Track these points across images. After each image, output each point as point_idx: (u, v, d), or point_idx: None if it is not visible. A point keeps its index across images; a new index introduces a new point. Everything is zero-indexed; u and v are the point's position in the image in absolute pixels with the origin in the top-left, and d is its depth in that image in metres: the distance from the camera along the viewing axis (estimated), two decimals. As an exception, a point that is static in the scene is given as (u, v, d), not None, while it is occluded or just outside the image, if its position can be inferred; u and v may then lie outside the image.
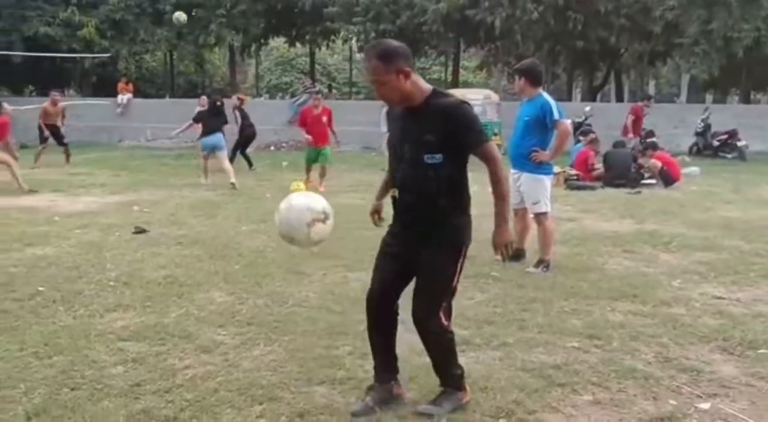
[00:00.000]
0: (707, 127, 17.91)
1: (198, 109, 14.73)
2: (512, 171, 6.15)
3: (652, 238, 7.25)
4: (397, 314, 3.23)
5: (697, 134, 18.06)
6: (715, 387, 3.53)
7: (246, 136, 14.45)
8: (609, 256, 6.46)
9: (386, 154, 12.40)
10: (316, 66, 32.37)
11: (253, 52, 28.63)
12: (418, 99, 3.03)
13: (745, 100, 25.90)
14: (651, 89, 33.57)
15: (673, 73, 35.26)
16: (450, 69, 27.33)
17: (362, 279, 4.54)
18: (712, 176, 13.23)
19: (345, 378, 3.52)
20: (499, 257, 3.12)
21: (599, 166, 12.20)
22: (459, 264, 3.09)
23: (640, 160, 12.16)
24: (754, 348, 4.04)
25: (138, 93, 24.36)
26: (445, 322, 3.13)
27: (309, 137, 11.22)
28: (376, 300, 3.19)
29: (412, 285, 3.15)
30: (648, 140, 14.58)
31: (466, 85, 31.77)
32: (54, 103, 15.63)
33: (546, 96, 5.92)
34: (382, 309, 3.19)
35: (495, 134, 18.12)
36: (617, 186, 11.37)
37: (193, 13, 23.67)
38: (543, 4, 20.11)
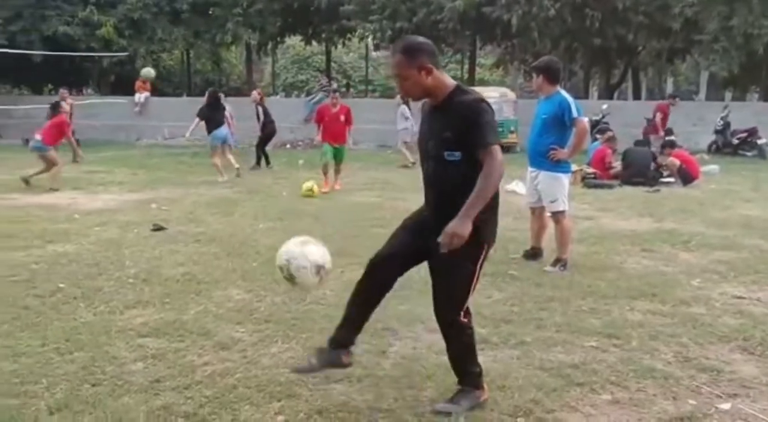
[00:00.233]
0: (727, 124, 17.72)
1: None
2: (530, 169, 6.13)
3: (670, 237, 7.19)
4: (387, 290, 3.18)
5: (717, 132, 17.88)
6: (736, 387, 3.50)
7: (267, 133, 14.51)
8: (627, 255, 6.42)
9: (402, 150, 12.38)
10: (332, 64, 32.42)
11: (269, 50, 28.77)
12: (441, 95, 3.03)
13: (766, 97, 25.51)
14: (669, 87, 33.27)
15: (691, 71, 34.91)
16: (466, 67, 27.23)
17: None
18: (732, 174, 13.11)
19: (362, 376, 3.52)
20: (440, 240, 2.89)
21: (616, 164, 12.12)
22: (479, 261, 3.07)
23: (659, 159, 12.07)
24: (775, 348, 3.99)
25: (155, 91, 24.54)
26: (464, 319, 3.13)
27: (318, 138, 11.34)
28: (379, 263, 3.16)
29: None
30: (666, 138, 14.47)
31: (483, 82, 31.64)
32: (63, 101, 15.79)
33: (564, 93, 5.88)
34: (378, 275, 3.16)
35: (512, 132, 18.11)
36: (635, 184, 11.29)
37: (210, 12, 23.83)
38: (560, 1, 19.97)
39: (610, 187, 11.26)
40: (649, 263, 6.14)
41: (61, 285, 5.17)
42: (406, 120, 14.78)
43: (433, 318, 3.19)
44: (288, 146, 19.71)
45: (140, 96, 22.81)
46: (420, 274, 3.32)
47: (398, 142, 15.23)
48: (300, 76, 41.50)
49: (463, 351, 3.21)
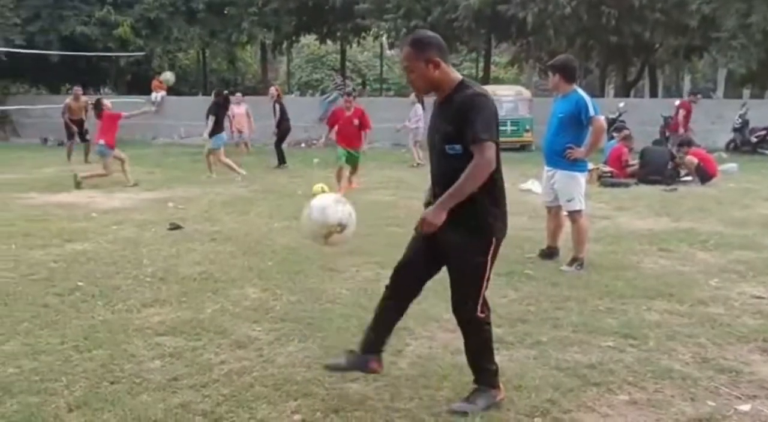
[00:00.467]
0: (745, 122, 17.56)
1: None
2: (546, 168, 6.10)
3: (688, 236, 7.13)
4: (414, 296, 3.26)
5: (735, 130, 17.73)
6: (755, 388, 3.46)
7: (282, 131, 14.54)
8: (644, 255, 6.37)
9: (413, 149, 12.37)
10: (347, 63, 32.45)
11: (284, 49, 28.83)
12: (447, 90, 3.06)
13: (785, 95, 25.31)
14: (686, 84, 32.98)
15: (709, 68, 34.48)
16: (481, 65, 27.18)
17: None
18: (751, 173, 12.96)
19: (379, 375, 3.50)
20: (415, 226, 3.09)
21: (633, 163, 12.03)
22: (489, 256, 3.07)
23: (676, 158, 11.96)
24: (795, 349, 3.95)
25: (171, 90, 24.69)
26: (481, 314, 3.13)
27: (322, 141, 11.55)
28: (400, 271, 3.24)
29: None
30: (683, 136, 14.34)
31: (497, 81, 31.51)
32: (77, 98, 15.94)
33: (581, 92, 5.85)
34: (402, 283, 3.24)
35: (527, 130, 18.05)
36: (652, 182, 11.20)
37: (226, 11, 23.94)
38: (576, -2, 19.87)
39: (627, 185, 11.17)
40: (667, 263, 6.09)
41: (80, 284, 5.22)
42: (418, 120, 14.72)
43: (449, 317, 3.19)
44: (303, 145, 19.76)
45: (157, 95, 22.95)
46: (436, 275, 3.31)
47: (410, 140, 15.22)
48: (315, 75, 41.61)
49: (481, 347, 3.20)
